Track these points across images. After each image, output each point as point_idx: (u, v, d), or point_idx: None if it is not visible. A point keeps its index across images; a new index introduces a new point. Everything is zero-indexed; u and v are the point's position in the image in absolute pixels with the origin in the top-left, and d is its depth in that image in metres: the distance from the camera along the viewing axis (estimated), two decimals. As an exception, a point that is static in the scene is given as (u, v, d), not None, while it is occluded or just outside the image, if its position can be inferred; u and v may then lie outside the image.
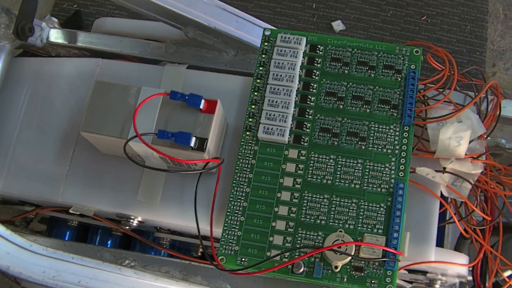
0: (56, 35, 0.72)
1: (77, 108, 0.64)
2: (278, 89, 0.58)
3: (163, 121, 0.54)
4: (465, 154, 0.57)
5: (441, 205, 0.59)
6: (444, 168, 0.57)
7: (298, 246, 0.54)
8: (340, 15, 1.57)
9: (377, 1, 1.63)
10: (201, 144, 0.53)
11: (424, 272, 0.61)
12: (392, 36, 1.52)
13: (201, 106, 0.54)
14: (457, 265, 0.58)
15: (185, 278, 0.60)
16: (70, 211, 0.60)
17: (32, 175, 0.62)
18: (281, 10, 1.52)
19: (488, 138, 0.63)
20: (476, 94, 0.61)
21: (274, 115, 0.58)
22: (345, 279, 0.53)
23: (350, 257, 0.52)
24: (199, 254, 0.67)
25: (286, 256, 0.54)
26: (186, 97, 0.54)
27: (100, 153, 0.61)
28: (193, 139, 0.53)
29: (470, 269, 0.62)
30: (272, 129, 0.57)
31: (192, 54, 0.69)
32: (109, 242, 0.70)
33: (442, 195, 0.58)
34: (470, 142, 0.57)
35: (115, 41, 0.71)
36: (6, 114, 0.65)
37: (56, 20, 0.73)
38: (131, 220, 0.60)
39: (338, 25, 1.44)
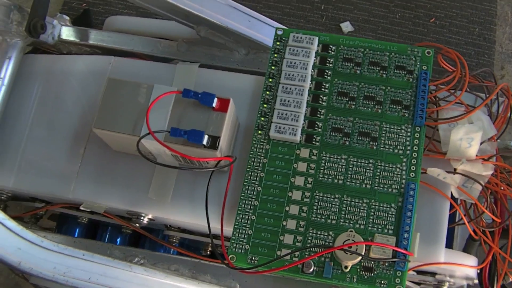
0: (67, 33, 0.72)
1: (88, 106, 0.64)
2: (290, 89, 0.59)
3: (176, 119, 0.54)
4: (476, 155, 0.57)
5: (451, 206, 0.59)
6: (455, 169, 0.57)
7: (308, 245, 0.54)
8: (349, 17, 1.58)
9: (385, 2, 1.63)
10: (214, 142, 0.54)
11: (432, 274, 0.61)
12: (401, 38, 1.52)
13: (214, 105, 0.54)
14: (467, 266, 0.58)
15: (194, 277, 0.60)
16: (81, 208, 0.61)
17: (43, 171, 0.62)
18: (289, 11, 1.52)
19: (498, 140, 0.62)
20: (487, 96, 0.61)
21: (286, 114, 0.58)
22: (354, 279, 0.53)
23: (360, 257, 0.52)
24: (209, 252, 0.67)
25: (296, 256, 0.54)
26: (199, 95, 0.54)
27: (112, 150, 0.61)
28: (206, 137, 0.53)
29: (478, 271, 0.62)
30: (284, 128, 0.57)
31: (203, 52, 0.69)
32: (118, 239, 0.70)
33: (452, 196, 0.58)
34: (481, 143, 0.57)
35: (126, 39, 0.71)
36: (18, 110, 0.65)
37: (67, 18, 0.74)
38: (142, 218, 0.60)
39: (346, 27, 1.44)
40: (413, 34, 1.54)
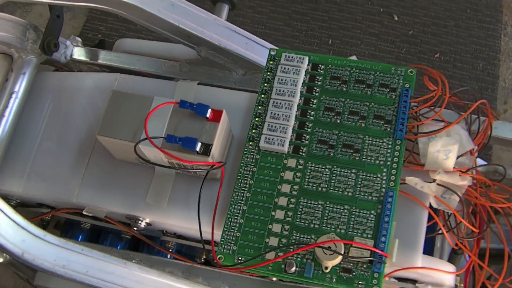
0: (79, 53, 0.78)
1: (94, 119, 0.69)
2: (280, 103, 0.63)
3: (173, 128, 0.59)
4: (454, 167, 0.60)
5: (432, 217, 0.62)
6: (434, 180, 0.60)
7: (291, 244, 0.57)
8: (356, 51, 1.63)
9: (391, 38, 1.68)
10: (206, 149, 0.58)
11: (413, 281, 0.64)
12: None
13: (208, 115, 0.59)
14: (443, 272, 0.61)
15: (186, 278, 0.63)
16: (84, 212, 0.65)
17: (50, 178, 0.67)
18: (298, 45, 1.58)
19: (478, 158, 0.66)
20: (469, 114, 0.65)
21: (275, 126, 0.62)
22: (334, 280, 0.56)
23: (339, 259, 0.55)
24: (203, 260, 0.70)
25: (279, 255, 0.57)
26: (194, 106, 0.59)
27: (114, 159, 0.65)
28: (199, 144, 0.58)
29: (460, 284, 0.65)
30: (273, 139, 0.61)
31: (204, 72, 0.74)
32: (118, 245, 0.74)
33: (432, 207, 0.61)
34: (459, 157, 0.61)
35: (133, 59, 0.77)
36: (29, 122, 0.70)
37: (79, 39, 0.79)
38: (140, 222, 0.64)
39: (353, 60, 1.49)
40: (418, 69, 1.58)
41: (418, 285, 0.64)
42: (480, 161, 0.77)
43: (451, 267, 0.62)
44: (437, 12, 1.75)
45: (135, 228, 0.64)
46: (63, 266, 0.55)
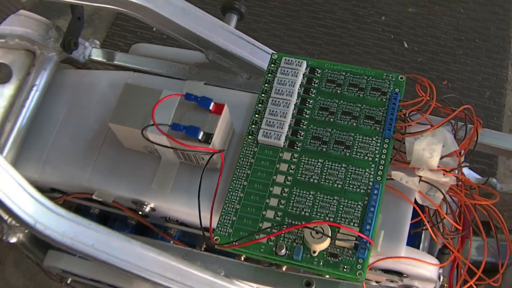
0: (97, 54, 0.84)
1: (107, 112, 0.74)
2: (278, 102, 0.68)
3: (178, 118, 0.64)
4: (439, 166, 0.65)
5: (418, 215, 0.66)
6: (420, 177, 0.65)
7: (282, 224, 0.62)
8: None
9: (401, 64, 1.73)
10: (207, 138, 0.63)
11: (399, 274, 0.67)
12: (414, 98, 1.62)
13: (211, 108, 0.64)
14: (425, 263, 0.65)
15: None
16: (93, 196, 0.70)
17: (65, 164, 0.72)
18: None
19: (464, 162, 0.70)
20: (455, 119, 0.69)
21: (273, 122, 0.67)
22: (321, 263, 0.60)
23: (327, 243, 0.60)
24: (203, 249, 0.75)
25: (272, 240, 0.62)
26: (198, 99, 0.64)
27: (124, 148, 0.71)
28: (201, 133, 0.63)
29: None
30: (270, 133, 0.66)
31: (211, 75, 0.80)
32: (125, 231, 0.78)
33: (417, 204, 0.66)
34: (444, 157, 0.65)
35: (146, 61, 0.83)
36: (48, 114, 0.76)
37: (98, 42, 0.85)
38: (145, 206, 0.69)
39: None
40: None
41: (404, 279, 0.68)
42: (474, 174, 0.82)
43: (434, 260, 0.66)
44: (446, 41, 1.81)
45: (140, 213, 0.69)
46: (71, 237, 0.60)
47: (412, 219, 0.66)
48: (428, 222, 0.66)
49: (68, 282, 0.82)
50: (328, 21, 1.80)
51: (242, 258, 0.71)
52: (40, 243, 0.78)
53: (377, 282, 0.71)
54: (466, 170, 0.75)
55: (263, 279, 0.68)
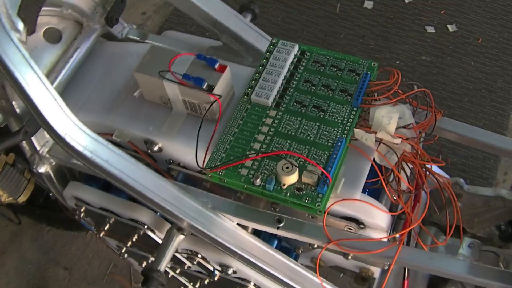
0: (133, 33, 1.01)
1: (131, 76, 0.91)
2: (271, 71, 0.84)
3: (190, 71, 0.80)
4: (396, 134, 0.79)
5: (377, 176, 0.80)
6: (381, 139, 0.79)
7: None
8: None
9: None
10: (210, 89, 0.79)
11: (357, 222, 0.80)
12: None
13: (216, 66, 0.80)
14: (375, 207, 0.78)
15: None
16: (113, 136, 0.86)
17: (95, 109, 0.89)
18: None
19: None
20: (416, 105, 0.84)
21: (265, 86, 0.83)
22: (288, 194, 0.75)
23: (295, 177, 0.74)
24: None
25: (251, 173, 0.76)
26: (207, 59, 0.81)
27: (143, 100, 0.87)
28: (206, 83, 0.79)
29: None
30: (261, 94, 0.82)
31: (223, 57, 0.96)
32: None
33: (376, 163, 0.79)
34: (401, 128, 0.79)
35: (172, 42, 1.00)
36: (86, 72, 0.93)
37: (135, 26, 1.03)
38: (154, 145, 0.84)
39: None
40: (426, 137, 1.76)
41: (360, 229, 0.80)
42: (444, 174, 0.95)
43: (386, 209, 0.80)
44: (454, 88, 1.95)
45: (149, 150, 0.84)
46: (91, 151, 0.75)
47: (373, 178, 0.79)
48: (384, 179, 0.80)
49: (82, 210, 0.96)
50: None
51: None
52: (62, 176, 0.94)
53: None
54: (436, 168, 0.89)
55: (243, 214, 0.82)
